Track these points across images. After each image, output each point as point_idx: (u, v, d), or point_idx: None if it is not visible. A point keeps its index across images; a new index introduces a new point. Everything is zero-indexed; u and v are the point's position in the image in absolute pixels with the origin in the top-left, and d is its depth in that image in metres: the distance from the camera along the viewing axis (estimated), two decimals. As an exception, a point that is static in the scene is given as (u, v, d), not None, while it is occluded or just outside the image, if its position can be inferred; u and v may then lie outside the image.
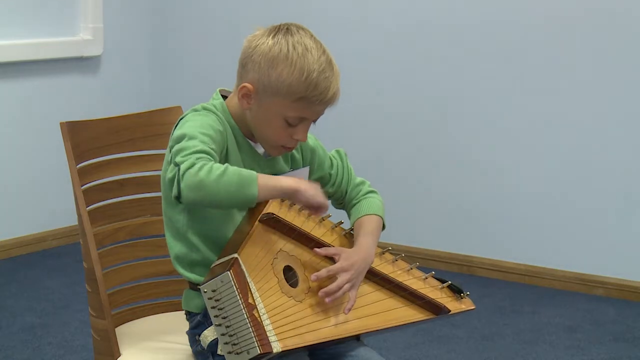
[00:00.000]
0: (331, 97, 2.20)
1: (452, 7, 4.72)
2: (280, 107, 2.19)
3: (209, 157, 2.07)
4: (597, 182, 4.50)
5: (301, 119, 2.22)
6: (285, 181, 2.12)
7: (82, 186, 2.44)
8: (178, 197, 2.06)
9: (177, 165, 2.05)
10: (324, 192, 2.41)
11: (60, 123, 2.45)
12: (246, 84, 2.21)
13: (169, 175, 2.07)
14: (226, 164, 2.06)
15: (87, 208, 2.45)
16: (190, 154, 2.06)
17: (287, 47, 2.17)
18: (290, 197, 2.13)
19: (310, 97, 2.18)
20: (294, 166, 2.36)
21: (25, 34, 4.91)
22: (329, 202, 2.21)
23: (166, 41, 5.51)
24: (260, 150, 2.30)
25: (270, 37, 2.20)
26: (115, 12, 5.29)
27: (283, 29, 2.20)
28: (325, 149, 2.41)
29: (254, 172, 2.07)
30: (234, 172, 2.05)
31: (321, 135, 2.41)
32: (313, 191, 2.13)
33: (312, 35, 2.21)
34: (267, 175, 2.11)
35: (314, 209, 2.16)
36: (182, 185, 2.04)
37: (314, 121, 2.25)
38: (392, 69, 4.88)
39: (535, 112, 4.60)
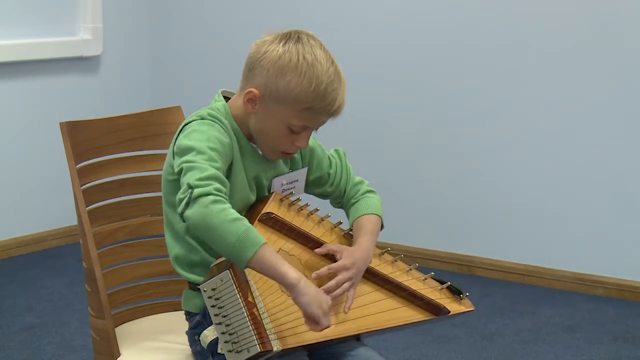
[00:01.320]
0: (337, 108, 2.21)
1: (452, 9, 4.72)
2: (285, 115, 2.19)
3: (224, 190, 2.05)
4: (596, 183, 4.50)
5: (304, 127, 2.22)
6: (287, 270, 2.01)
7: (81, 186, 2.44)
8: (181, 215, 2.05)
9: (191, 187, 2.04)
10: (323, 192, 2.42)
11: (60, 123, 2.44)
12: (252, 89, 2.20)
13: (180, 196, 2.05)
14: (242, 217, 2.02)
15: (87, 208, 2.45)
16: (205, 179, 2.04)
17: (297, 57, 2.17)
18: (286, 288, 2.05)
19: (317, 107, 2.18)
20: (293, 167, 2.36)
21: (25, 34, 4.91)
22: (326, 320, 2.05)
23: (166, 41, 5.51)
24: (261, 152, 2.30)
25: (281, 44, 2.19)
26: (114, 12, 5.29)
27: (294, 37, 2.20)
28: (324, 149, 2.41)
29: (262, 239, 2.02)
30: (244, 226, 2.01)
31: (320, 135, 2.41)
32: (310, 297, 2.01)
33: (322, 45, 2.21)
34: (274, 253, 2.03)
35: (307, 318, 2.04)
36: (190, 210, 2.02)
37: (316, 129, 2.26)
38: (392, 69, 4.88)
39: (535, 114, 4.60)
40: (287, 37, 2.20)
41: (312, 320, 2.04)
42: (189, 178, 2.06)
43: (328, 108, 2.19)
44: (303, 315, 2.05)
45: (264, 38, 2.23)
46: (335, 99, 2.19)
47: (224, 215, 2.01)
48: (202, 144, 2.12)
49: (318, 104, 2.17)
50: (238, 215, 2.03)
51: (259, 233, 2.03)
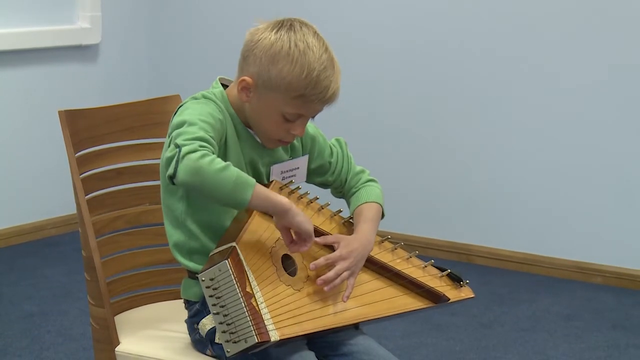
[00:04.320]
0: (330, 96, 2.20)
1: (451, 2, 4.73)
2: (278, 103, 2.19)
3: (210, 147, 2.07)
4: (595, 171, 4.50)
5: (299, 116, 2.22)
6: (280, 198, 2.11)
7: (80, 175, 2.44)
8: (172, 177, 2.05)
9: (179, 147, 2.05)
10: (324, 181, 2.42)
11: (59, 111, 2.44)
12: (246, 78, 2.20)
13: (168, 154, 2.06)
14: (229, 162, 2.06)
15: (86, 196, 2.45)
16: (193, 139, 2.06)
17: (289, 44, 2.17)
18: (280, 214, 2.11)
19: (309, 95, 2.17)
20: (293, 155, 2.36)
21: (24, 22, 4.90)
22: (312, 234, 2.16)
23: (164, 29, 5.50)
24: (259, 138, 2.30)
25: (273, 32, 2.19)
26: (113, 0, 5.28)
27: (286, 25, 2.20)
28: (325, 137, 2.41)
29: (252, 179, 2.07)
30: (234, 171, 2.05)
31: (320, 125, 2.41)
32: (303, 217, 2.12)
33: (315, 32, 2.21)
34: (264, 187, 2.11)
35: (299, 237, 2.14)
36: (180, 166, 2.03)
37: (313, 117, 2.26)
38: (393, 59, 4.88)
39: (534, 104, 4.59)
40: (280, 25, 2.21)
41: (303, 238, 2.13)
42: (177, 140, 2.07)
43: (321, 95, 2.18)
44: (294, 235, 2.14)
45: (257, 26, 2.23)
46: (328, 86, 2.18)
47: (214, 165, 2.03)
48: (194, 117, 2.13)
49: (310, 92, 2.17)
50: (224, 162, 2.05)
51: (245, 174, 2.07)
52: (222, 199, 2.07)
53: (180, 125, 2.12)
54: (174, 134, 2.11)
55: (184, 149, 2.03)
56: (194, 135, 2.07)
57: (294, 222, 2.11)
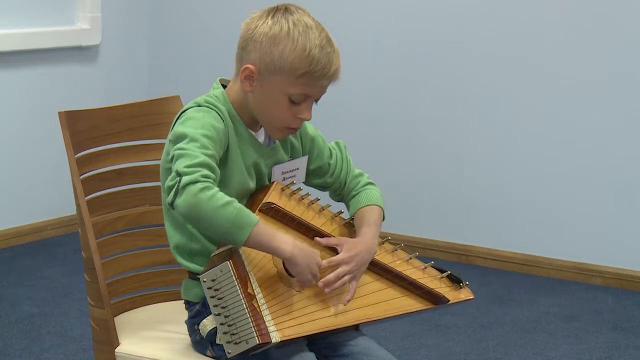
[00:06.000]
0: (334, 72, 2.21)
1: (451, 2, 4.73)
2: (283, 85, 2.19)
3: (213, 175, 2.06)
4: (595, 172, 4.50)
5: (305, 97, 2.21)
6: (283, 243, 2.09)
7: (80, 176, 2.44)
8: (171, 204, 2.06)
9: (180, 175, 2.05)
10: (323, 182, 2.42)
11: (59, 112, 2.44)
12: (248, 65, 2.21)
13: (169, 183, 2.07)
14: (232, 199, 2.05)
15: (86, 197, 2.45)
16: (195, 165, 2.06)
17: (288, 25, 2.19)
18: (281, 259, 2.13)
19: (314, 71, 2.18)
20: (293, 155, 2.36)
21: (24, 23, 4.90)
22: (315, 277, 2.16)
23: (165, 30, 5.50)
24: (261, 139, 2.30)
25: (270, 17, 2.21)
26: (113, 1, 5.28)
27: (282, 9, 2.23)
28: (324, 139, 2.41)
29: (255, 218, 2.05)
30: (234, 209, 2.04)
31: (321, 124, 2.41)
32: (303, 268, 2.10)
33: (310, 14, 2.24)
34: (269, 228, 2.10)
35: (299, 282, 2.15)
36: (179, 199, 2.04)
37: (316, 101, 2.25)
38: (393, 59, 4.88)
39: (533, 104, 4.60)
40: (275, 9, 2.23)
41: (304, 284, 2.15)
42: (178, 165, 2.07)
43: (325, 71, 2.19)
44: (297, 280, 2.15)
45: (251, 16, 2.25)
46: (331, 61, 2.19)
47: (214, 201, 2.03)
48: (195, 131, 2.13)
49: (314, 68, 2.18)
50: (227, 198, 2.04)
51: (249, 211, 2.06)
52: (218, 236, 2.08)
53: (182, 138, 2.12)
54: (175, 152, 2.11)
55: (185, 179, 2.04)
56: (196, 161, 2.06)
57: (293, 272, 2.12)
